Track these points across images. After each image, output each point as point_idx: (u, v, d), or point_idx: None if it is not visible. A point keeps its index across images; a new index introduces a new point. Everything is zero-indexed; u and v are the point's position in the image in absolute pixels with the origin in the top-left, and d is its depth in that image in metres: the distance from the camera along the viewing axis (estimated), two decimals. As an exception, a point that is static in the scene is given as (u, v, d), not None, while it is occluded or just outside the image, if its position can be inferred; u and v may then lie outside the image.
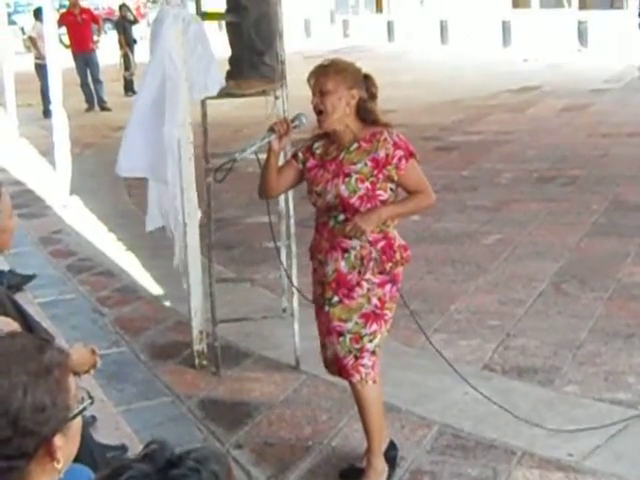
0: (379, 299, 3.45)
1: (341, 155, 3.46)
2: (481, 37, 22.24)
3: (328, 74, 3.41)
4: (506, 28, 22.01)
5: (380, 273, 3.44)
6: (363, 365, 3.47)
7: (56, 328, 5.04)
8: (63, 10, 16.86)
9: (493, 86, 15.56)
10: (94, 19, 16.15)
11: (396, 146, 3.40)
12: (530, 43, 20.45)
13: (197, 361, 4.78)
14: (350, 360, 3.48)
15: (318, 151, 3.55)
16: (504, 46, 21.89)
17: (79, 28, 15.32)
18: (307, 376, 4.59)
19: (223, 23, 5.02)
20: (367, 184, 3.39)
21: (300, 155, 3.60)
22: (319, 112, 3.44)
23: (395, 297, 3.51)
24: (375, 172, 3.39)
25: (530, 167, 9.21)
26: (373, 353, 3.48)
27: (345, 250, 3.44)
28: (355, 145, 3.45)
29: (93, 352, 3.03)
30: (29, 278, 5.95)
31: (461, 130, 11.73)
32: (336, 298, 3.47)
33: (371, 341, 3.46)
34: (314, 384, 4.50)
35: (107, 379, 4.55)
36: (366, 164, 3.40)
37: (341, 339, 3.47)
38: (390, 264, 3.45)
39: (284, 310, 5.03)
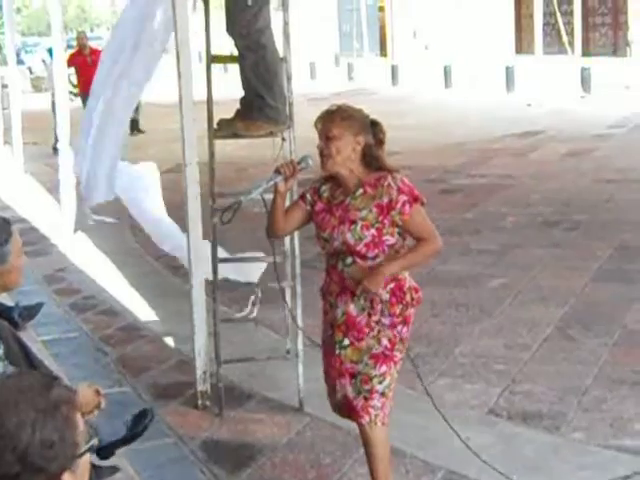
0: (389, 340, 3.44)
1: (347, 200, 3.48)
2: (485, 82, 22.42)
3: (334, 120, 3.44)
4: (509, 73, 22.20)
5: (390, 315, 3.44)
6: (372, 406, 3.45)
7: (59, 366, 5.02)
8: (71, 50, 17.02)
9: (497, 130, 15.64)
10: (102, 59, 16.29)
11: (400, 191, 3.40)
12: (533, 89, 20.60)
13: (200, 402, 4.75)
14: (360, 401, 3.46)
15: (325, 194, 3.56)
16: (507, 91, 22.06)
17: (89, 69, 15.41)
18: (311, 418, 4.56)
19: (228, 65, 5.10)
20: (373, 231, 3.39)
21: (308, 197, 3.61)
22: (323, 155, 3.46)
23: (406, 339, 3.50)
24: (380, 218, 3.40)
25: (534, 211, 9.22)
26: (383, 394, 3.46)
27: (354, 294, 3.44)
28: (360, 190, 3.46)
29: (97, 392, 3.01)
30: (39, 306, 5.95)
31: (465, 173, 11.77)
32: (346, 341, 3.47)
33: (380, 382, 3.45)
34: (318, 427, 4.46)
35: (109, 418, 4.51)
36: (371, 210, 3.41)
37: (353, 381, 3.46)
38: (400, 306, 3.44)
39: (288, 351, 5.00)
